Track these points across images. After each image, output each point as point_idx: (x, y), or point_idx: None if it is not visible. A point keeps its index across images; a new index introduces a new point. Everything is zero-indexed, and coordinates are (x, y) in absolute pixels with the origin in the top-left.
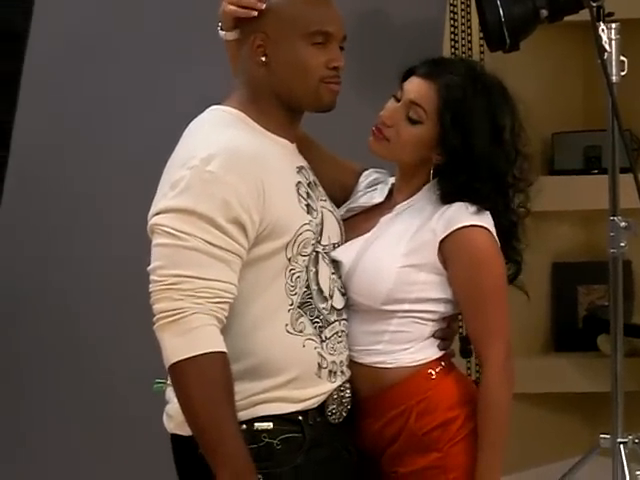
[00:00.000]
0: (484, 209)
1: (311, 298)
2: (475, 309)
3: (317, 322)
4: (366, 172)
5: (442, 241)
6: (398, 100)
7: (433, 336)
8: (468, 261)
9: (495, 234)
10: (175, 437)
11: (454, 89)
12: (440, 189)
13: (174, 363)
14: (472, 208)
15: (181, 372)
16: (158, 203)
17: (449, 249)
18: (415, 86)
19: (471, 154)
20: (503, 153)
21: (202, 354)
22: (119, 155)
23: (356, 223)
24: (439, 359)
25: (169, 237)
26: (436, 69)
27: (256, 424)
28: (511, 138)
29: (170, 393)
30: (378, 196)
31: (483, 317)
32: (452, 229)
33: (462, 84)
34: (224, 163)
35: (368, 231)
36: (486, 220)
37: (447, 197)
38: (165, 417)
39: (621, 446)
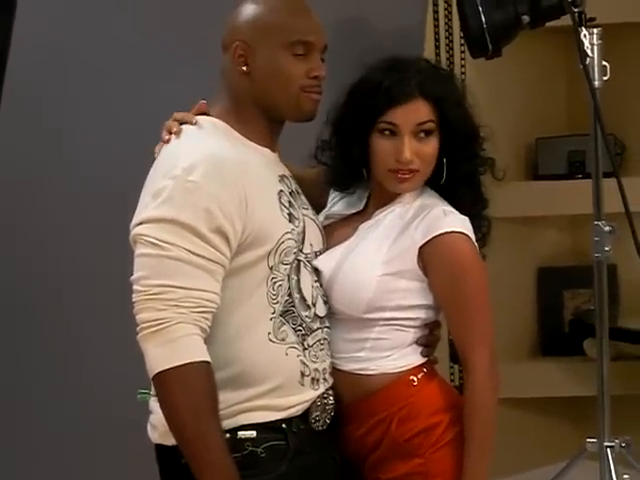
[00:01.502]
0: (465, 210)
1: (293, 306)
2: (458, 315)
3: (300, 330)
4: None
5: (421, 247)
6: (392, 134)
7: (416, 343)
8: (449, 268)
9: (474, 239)
10: (159, 447)
11: (432, 84)
12: (439, 178)
13: (158, 373)
14: (451, 215)
15: (165, 382)
16: (140, 213)
17: (429, 256)
18: (409, 112)
19: (474, 131)
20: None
21: (186, 364)
22: (102, 158)
23: (335, 230)
24: (421, 366)
25: (152, 247)
26: (404, 84)
27: (240, 433)
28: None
29: (154, 403)
30: (357, 204)
31: (466, 323)
32: (431, 236)
33: (430, 76)
34: (206, 172)
35: (348, 238)
36: (465, 226)
37: (447, 184)
38: (149, 427)
39: (608, 450)
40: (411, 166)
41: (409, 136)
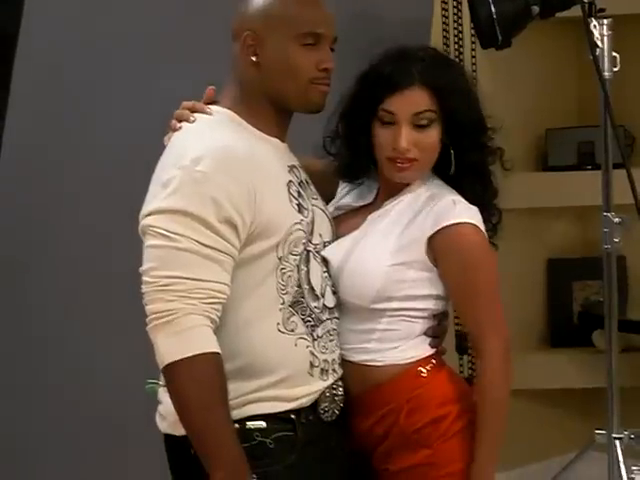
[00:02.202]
0: (475, 201)
1: (302, 297)
2: (470, 304)
3: (309, 321)
4: None
5: (430, 238)
6: (391, 123)
7: (424, 334)
8: (459, 258)
9: (484, 229)
10: (168, 437)
11: (434, 73)
12: (447, 169)
13: (168, 364)
14: (460, 205)
15: (175, 373)
16: (149, 204)
17: (438, 246)
18: (406, 99)
19: (478, 122)
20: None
21: (196, 355)
22: (105, 154)
23: (345, 221)
24: (429, 357)
25: (161, 238)
26: (405, 72)
27: (249, 423)
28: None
29: (163, 394)
30: (367, 196)
31: (479, 312)
32: (440, 226)
33: (432, 64)
34: (214, 163)
35: (357, 228)
36: (474, 216)
37: (455, 175)
38: (158, 417)
39: (617, 442)
40: (409, 155)
41: (406, 125)
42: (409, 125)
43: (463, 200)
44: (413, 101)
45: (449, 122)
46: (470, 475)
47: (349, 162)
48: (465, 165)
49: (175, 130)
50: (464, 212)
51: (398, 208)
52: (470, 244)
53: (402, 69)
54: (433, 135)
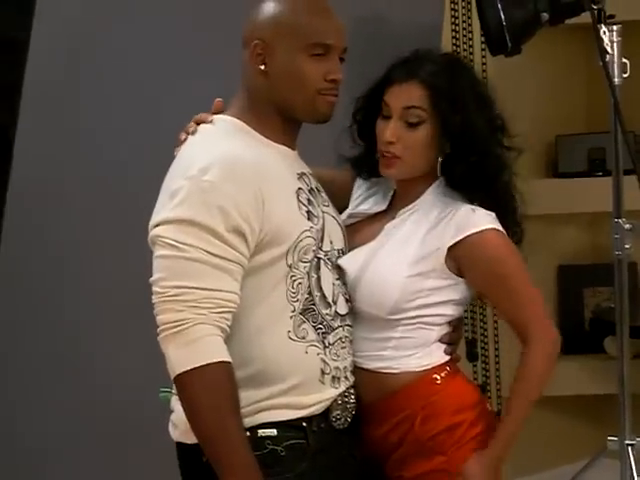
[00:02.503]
0: (489, 210)
1: (313, 304)
2: (508, 300)
3: (320, 328)
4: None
5: (451, 247)
6: (387, 117)
7: (439, 341)
8: (487, 264)
9: (504, 231)
10: (180, 445)
11: (438, 75)
12: (453, 179)
13: (179, 374)
14: (479, 211)
15: (186, 383)
16: (158, 213)
17: (462, 255)
18: (401, 92)
19: (474, 130)
20: (496, 124)
21: (207, 364)
22: (118, 159)
23: (361, 229)
24: (444, 364)
25: (170, 249)
26: (409, 67)
27: (260, 431)
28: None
29: (175, 402)
30: (381, 203)
31: (518, 302)
32: (462, 236)
33: (442, 68)
34: (222, 172)
35: (373, 238)
36: (493, 221)
37: (460, 184)
38: (170, 426)
39: (629, 448)
40: (391, 149)
41: (397, 118)
42: (400, 120)
43: (479, 207)
44: (406, 95)
45: (447, 129)
46: (479, 460)
47: (361, 157)
48: (465, 178)
49: (181, 142)
50: (483, 218)
51: (414, 218)
52: (494, 249)
53: (408, 65)
54: (420, 135)
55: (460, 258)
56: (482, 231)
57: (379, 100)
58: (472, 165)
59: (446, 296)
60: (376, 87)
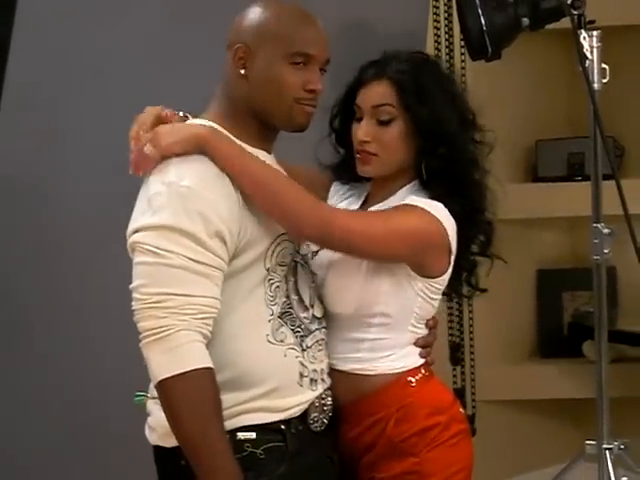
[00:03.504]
0: (458, 207)
1: (291, 308)
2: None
3: (298, 331)
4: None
5: None
6: (360, 119)
7: (415, 344)
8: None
9: (444, 224)
10: (158, 449)
11: (405, 71)
12: (423, 174)
13: (161, 380)
14: (423, 199)
15: (169, 389)
16: (136, 221)
17: None
18: (369, 92)
19: (441, 122)
20: (466, 117)
21: (189, 371)
22: (100, 158)
23: None
24: (419, 367)
25: (152, 255)
26: (377, 67)
27: (239, 434)
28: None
29: (152, 405)
30: (355, 203)
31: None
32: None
33: (409, 65)
34: (199, 177)
35: None
36: (432, 206)
37: (429, 179)
38: (147, 429)
39: (607, 452)
40: (367, 148)
41: (368, 117)
42: (371, 119)
43: (433, 202)
44: (375, 94)
45: (417, 123)
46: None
47: (340, 162)
48: (436, 173)
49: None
50: (420, 200)
51: None
52: (404, 205)
53: (376, 65)
54: (393, 132)
55: None
56: (410, 204)
57: (352, 104)
58: (441, 157)
59: (413, 296)
60: (348, 92)
